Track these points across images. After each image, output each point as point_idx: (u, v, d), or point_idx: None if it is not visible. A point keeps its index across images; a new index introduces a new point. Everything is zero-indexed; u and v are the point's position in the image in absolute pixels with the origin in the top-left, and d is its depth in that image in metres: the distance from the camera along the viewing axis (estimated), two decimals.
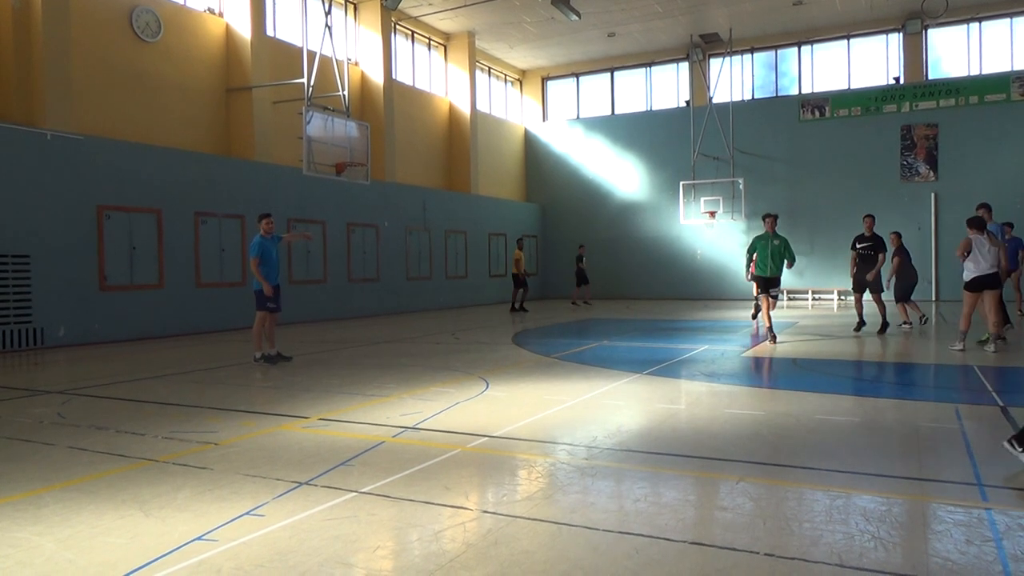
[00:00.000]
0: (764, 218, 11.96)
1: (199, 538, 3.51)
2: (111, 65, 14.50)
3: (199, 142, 16.25)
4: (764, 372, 9.22)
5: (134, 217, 13.74)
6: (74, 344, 12.65)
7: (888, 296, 13.22)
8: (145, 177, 13.95)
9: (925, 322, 14.25)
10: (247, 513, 3.85)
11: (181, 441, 5.49)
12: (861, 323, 13.11)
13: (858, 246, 13.15)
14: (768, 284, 11.73)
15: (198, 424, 6.11)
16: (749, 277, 13.87)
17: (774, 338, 11.58)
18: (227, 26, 16.91)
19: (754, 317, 15.04)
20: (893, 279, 13.38)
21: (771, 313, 11.87)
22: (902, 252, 13.39)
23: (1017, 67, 21.77)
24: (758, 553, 3.24)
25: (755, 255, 11.83)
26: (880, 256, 12.91)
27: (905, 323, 13.46)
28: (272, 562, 3.21)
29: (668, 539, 3.43)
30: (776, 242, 11.67)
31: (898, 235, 13.67)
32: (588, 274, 22.63)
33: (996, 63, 22.08)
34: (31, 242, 12.18)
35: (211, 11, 16.72)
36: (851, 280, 13.36)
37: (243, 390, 7.92)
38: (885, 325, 12.79)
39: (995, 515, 3.68)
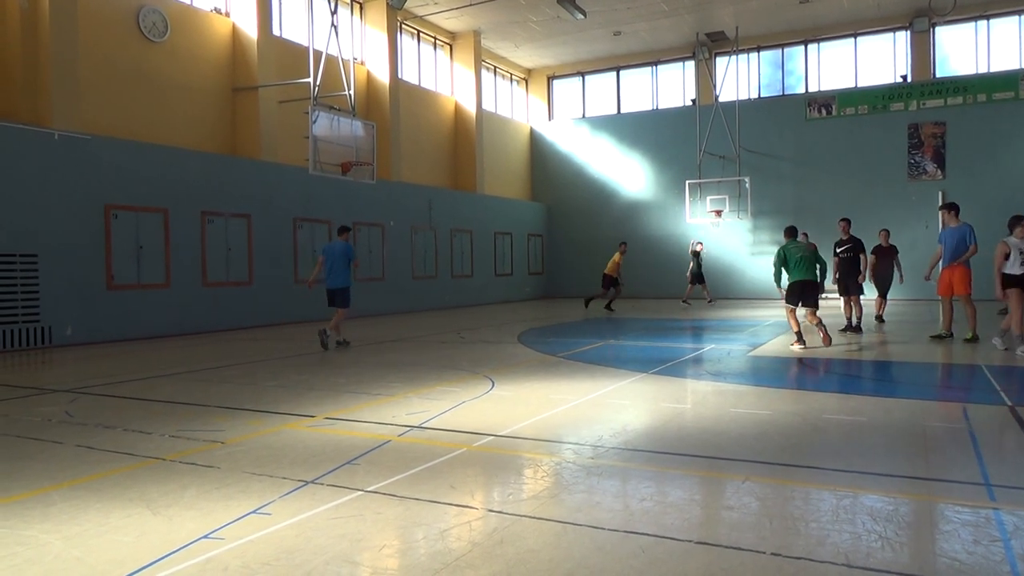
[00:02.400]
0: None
1: (206, 536, 3.52)
2: (118, 65, 14.55)
3: (205, 141, 16.30)
4: (770, 371, 9.19)
5: (141, 216, 13.78)
6: (81, 343, 12.70)
7: (872, 293, 13.85)
8: (152, 176, 14.00)
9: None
10: (253, 511, 3.86)
11: (188, 440, 5.51)
12: (849, 326, 12.85)
13: (837, 250, 13.37)
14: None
15: (205, 423, 6.13)
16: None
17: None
18: (233, 26, 16.96)
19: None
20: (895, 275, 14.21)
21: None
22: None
23: None
24: (764, 553, 3.23)
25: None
26: (861, 257, 13.10)
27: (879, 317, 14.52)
28: (278, 560, 3.22)
29: (674, 538, 3.42)
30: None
31: (887, 232, 14.53)
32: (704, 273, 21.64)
33: (1004, 61, 21.96)
34: (39, 241, 12.24)
35: (217, 11, 16.77)
36: (837, 285, 13.35)
37: (249, 389, 7.94)
38: (858, 327, 12.78)
39: (1003, 515, 3.67)
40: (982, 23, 22.18)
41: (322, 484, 4.32)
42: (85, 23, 13.79)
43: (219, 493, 4.18)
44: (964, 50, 22.59)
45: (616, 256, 19.65)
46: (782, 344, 11.46)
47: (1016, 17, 21.82)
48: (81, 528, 3.66)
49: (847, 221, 13.44)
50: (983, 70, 22.16)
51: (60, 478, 4.55)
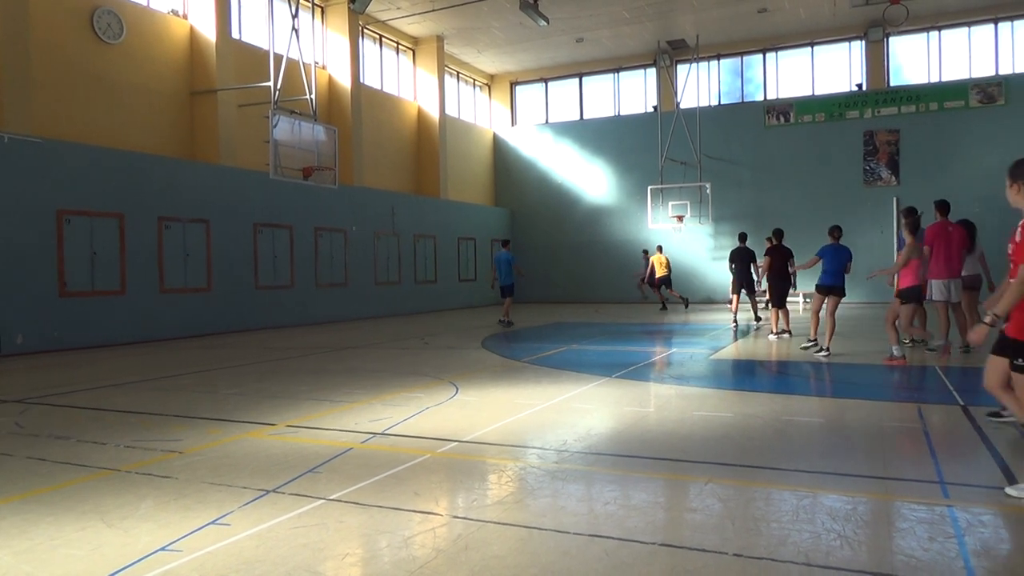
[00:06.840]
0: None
1: (163, 548, 3.44)
2: (72, 66, 14.21)
3: (162, 145, 15.99)
4: (731, 375, 9.31)
5: (95, 222, 13.46)
6: (33, 351, 12.33)
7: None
8: (107, 181, 13.68)
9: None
10: (212, 522, 3.78)
11: (144, 450, 5.38)
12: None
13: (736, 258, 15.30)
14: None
15: (162, 432, 6.00)
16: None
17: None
18: (191, 28, 16.68)
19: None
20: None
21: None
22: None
23: (975, 75, 22.31)
24: (727, 554, 3.27)
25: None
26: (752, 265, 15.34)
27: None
28: (238, 571, 3.16)
29: (638, 541, 3.44)
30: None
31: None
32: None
33: (955, 71, 22.62)
34: None
35: (175, 13, 16.48)
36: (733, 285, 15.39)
37: (208, 397, 7.80)
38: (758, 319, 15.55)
39: (956, 512, 3.76)
40: (934, 34, 22.82)
41: (283, 493, 4.26)
42: (36, 23, 13.44)
43: (177, 504, 4.09)
44: (917, 60, 23.21)
45: (659, 257, 21.11)
46: (742, 348, 11.62)
47: (966, 28, 22.49)
48: (32, 542, 3.55)
49: (744, 234, 15.43)
50: (935, 80, 22.79)
51: (10, 491, 4.41)
